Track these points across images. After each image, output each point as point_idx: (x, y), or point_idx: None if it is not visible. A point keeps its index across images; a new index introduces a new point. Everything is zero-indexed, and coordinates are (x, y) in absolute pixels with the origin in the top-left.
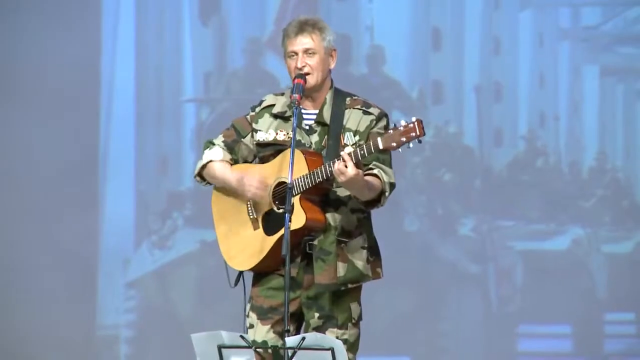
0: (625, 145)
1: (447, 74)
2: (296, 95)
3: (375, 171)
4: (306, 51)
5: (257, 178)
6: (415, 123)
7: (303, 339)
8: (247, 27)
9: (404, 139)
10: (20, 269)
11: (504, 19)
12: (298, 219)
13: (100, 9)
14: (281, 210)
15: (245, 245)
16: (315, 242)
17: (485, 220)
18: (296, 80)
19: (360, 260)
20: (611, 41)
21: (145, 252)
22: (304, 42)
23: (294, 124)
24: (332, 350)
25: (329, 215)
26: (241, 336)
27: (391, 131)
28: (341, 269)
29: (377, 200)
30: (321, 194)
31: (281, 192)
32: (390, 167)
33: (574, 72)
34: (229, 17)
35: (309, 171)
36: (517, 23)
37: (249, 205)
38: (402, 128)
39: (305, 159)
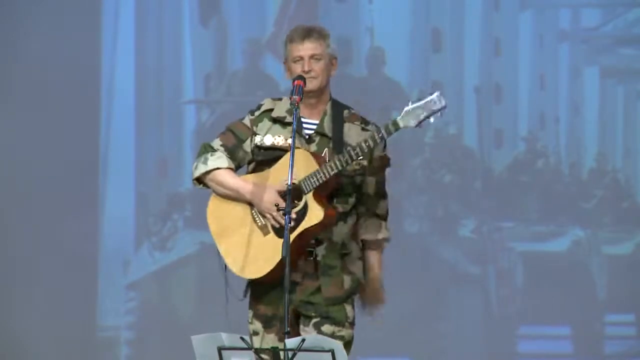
0: (626, 146)
1: (447, 75)
2: (296, 97)
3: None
4: (312, 56)
5: (274, 195)
6: (437, 96)
7: (303, 340)
8: (247, 29)
9: (425, 114)
10: (20, 270)
11: (504, 20)
12: (315, 215)
13: (100, 11)
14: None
15: (258, 252)
16: (320, 258)
17: (486, 222)
18: (296, 82)
19: (358, 271)
20: (611, 42)
21: (145, 253)
22: (311, 47)
23: (294, 125)
24: (332, 352)
25: (332, 230)
26: (241, 338)
27: (409, 109)
28: (347, 282)
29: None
30: (330, 190)
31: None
32: (384, 185)
33: (574, 74)
34: (229, 19)
35: (320, 167)
36: (517, 24)
37: (254, 213)
38: (422, 103)
39: (313, 156)
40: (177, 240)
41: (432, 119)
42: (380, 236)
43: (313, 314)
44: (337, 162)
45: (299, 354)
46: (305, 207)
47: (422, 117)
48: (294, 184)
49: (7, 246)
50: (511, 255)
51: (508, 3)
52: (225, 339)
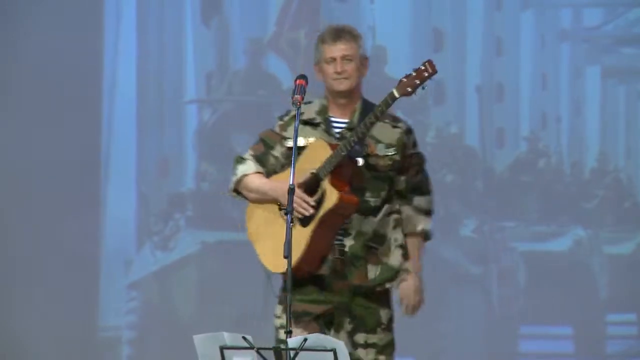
0: (627, 146)
1: (449, 74)
2: (297, 96)
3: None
4: (344, 57)
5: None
6: (427, 63)
7: (305, 340)
8: (249, 28)
9: (417, 82)
10: (21, 270)
11: (505, 19)
12: (331, 198)
13: (102, 10)
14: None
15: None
16: (347, 249)
17: (487, 221)
18: (297, 82)
19: (395, 260)
20: (613, 42)
21: (147, 253)
22: (343, 48)
23: (296, 125)
24: (334, 351)
25: (362, 222)
26: (243, 337)
27: (404, 79)
28: (371, 271)
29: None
30: (349, 176)
31: (309, 184)
32: (422, 184)
33: (575, 73)
34: (231, 18)
35: (333, 152)
36: (518, 24)
37: (280, 209)
38: (414, 73)
39: (329, 144)
40: (178, 240)
41: (425, 86)
42: (419, 228)
43: (347, 319)
44: (346, 142)
45: (302, 354)
46: (323, 193)
47: (416, 84)
48: (312, 173)
49: (9, 246)
50: (512, 255)
51: (509, 2)
52: (227, 338)
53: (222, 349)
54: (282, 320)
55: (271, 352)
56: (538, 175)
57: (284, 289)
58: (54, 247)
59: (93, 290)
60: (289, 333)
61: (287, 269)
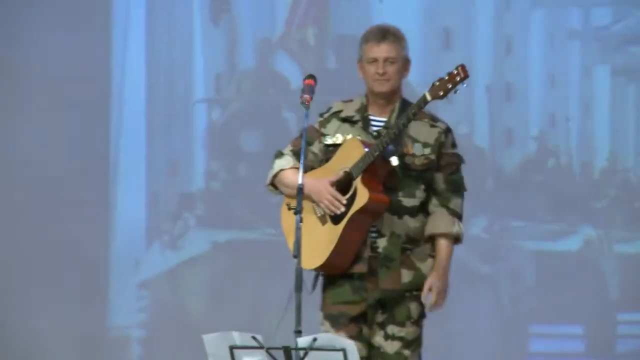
0: (637, 145)
1: None
2: (306, 96)
3: (441, 230)
4: (387, 59)
5: (325, 183)
6: (459, 68)
7: (315, 339)
8: (258, 27)
9: (450, 86)
10: (32, 270)
11: (514, 18)
12: (361, 198)
13: (111, 10)
14: (346, 196)
15: (316, 242)
16: (380, 250)
17: (497, 221)
18: (306, 82)
19: (426, 269)
20: (622, 41)
21: (156, 252)
22: (386, 50)
23: (306, 123)
24: (344, 351)
25: (396, 223)
26: (253, 337)
27: (437, 83)
28: (405, 276)
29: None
30: (382, 176)
31: (342, 182)
32: (460, 183)
33: (585, 72)
34: (240, 17)
35: (366, 151)
36: (528, 23)
37: (314, 206)
38: (446, 77)
39: (362, 142)
40: (188, 239)
41: (457, 91)
42: (454, 230)
43: (380, 312)
44: (379, 143)
45: (311, 353)
46: (355, 192)
47: (448, 88)
48: (346, 172)
49: (20, 246)
50: (522, 254)
51: (519, 2)
52: (237, 337)
53: (231, 348)
54: (325, 327)
55: (281, 352)
56: (547, 174)
57: (314, 286)
58: (64, 247)
59: (103, 289)
60: (298, 332)
61: (297, 266)
